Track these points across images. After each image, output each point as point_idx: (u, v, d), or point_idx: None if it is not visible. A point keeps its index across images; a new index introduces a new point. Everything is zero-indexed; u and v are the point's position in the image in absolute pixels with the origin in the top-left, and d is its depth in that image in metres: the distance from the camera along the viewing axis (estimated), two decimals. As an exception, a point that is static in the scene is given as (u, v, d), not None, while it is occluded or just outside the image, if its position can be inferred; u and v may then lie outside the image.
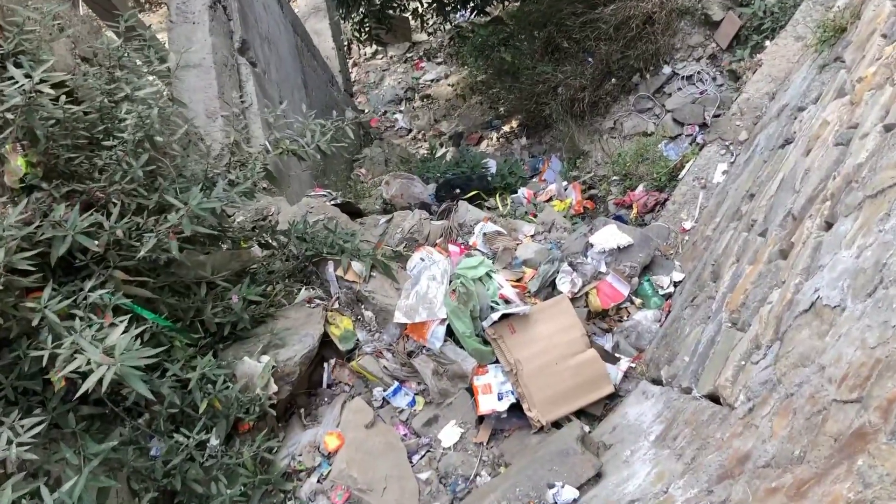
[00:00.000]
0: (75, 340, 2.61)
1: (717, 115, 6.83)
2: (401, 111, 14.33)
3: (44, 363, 2.65)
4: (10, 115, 2.89)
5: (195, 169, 3.79)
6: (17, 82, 2.91)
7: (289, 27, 10.17)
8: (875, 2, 4.38)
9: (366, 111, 14.57)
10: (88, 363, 2.54)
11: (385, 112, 14.31)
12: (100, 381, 2.49)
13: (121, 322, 2.72)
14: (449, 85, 13.67)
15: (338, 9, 10.58)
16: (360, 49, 11.91)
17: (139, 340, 2.76)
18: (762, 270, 3.16)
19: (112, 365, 2.49)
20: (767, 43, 6.52)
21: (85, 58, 4.35)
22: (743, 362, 2.76)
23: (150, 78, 4.00)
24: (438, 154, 9.86)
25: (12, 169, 3.05)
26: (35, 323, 2.71)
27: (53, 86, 3.10)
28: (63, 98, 3.14)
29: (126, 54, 3.82)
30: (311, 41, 11.66)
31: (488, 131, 11.20)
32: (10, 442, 2.48)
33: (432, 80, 14.85)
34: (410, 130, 13.44)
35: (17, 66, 3.18)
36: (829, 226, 2.73)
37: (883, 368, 1.75)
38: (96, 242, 2.92)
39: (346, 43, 12.62)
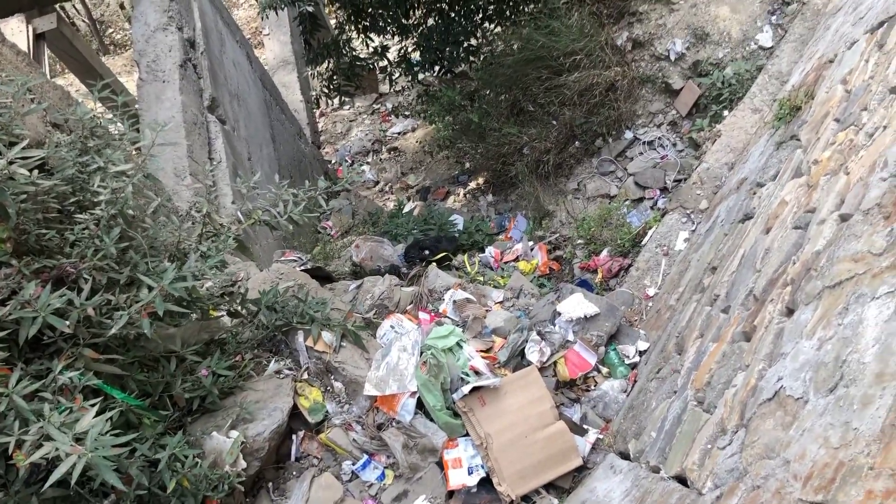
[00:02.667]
0: (43, 427, 2.57)
1: (678, 181, 7.04)
2: (368, 163, 14.45)
3: (10, 451, 2.60)
4: (-19, 194, 2.87)
5: (166, 239, 3.78)
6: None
7: (258, 82, 10.25)
8: (827, 84, 4.59)
9: (332, 161, 14.65)
10: (57, 450, 2.50)
11: (351, 164, 14.42)
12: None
13: (91, 406, 2.68)
14: (416, 141, 13.86)
15: (307, 65, 10.73)
16: (328, 101, 12.06)
17: (109, 422, 2.72)
18: (726, 350, 3.24)
19: (83, 455, 2.45)
20: (726, 113, 6.77)
21: (56, 124, 4.34)
22: (709, 446, 2.81)
23: (124, 145, 3.98)
24: (406, 209, 9.95)
25: (-19, 246, 3.02)
26: (1, 408, 2.66)
27: (26, 158, 3.09)
28: (35, 172, 3.12)
29: (99, 123, 3.82)
30: (279, 94, 11.76)
31: (455, 186, 11.33)
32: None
33: (399, 133, 15.04)
34: (377, 182, 13.54)
35: (-11, 139, 3.16)
36: (790, 312, 2.82)
37: (846, 473, 1.82)
38: (67, 323, 2.88)
39: (314, 95, 12.75)
